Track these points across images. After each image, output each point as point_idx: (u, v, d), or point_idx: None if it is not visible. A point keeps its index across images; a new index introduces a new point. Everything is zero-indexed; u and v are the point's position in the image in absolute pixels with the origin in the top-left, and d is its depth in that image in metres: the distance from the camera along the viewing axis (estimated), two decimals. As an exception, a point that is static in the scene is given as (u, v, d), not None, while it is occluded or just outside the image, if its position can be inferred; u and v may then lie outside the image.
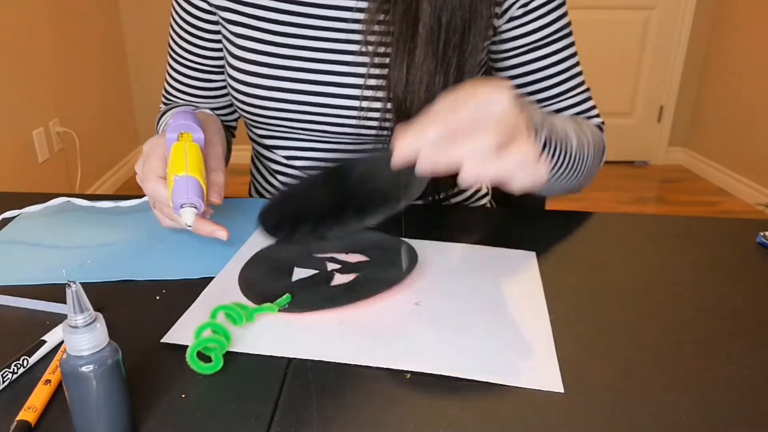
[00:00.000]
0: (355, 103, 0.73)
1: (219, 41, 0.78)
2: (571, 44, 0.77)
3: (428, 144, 0.47)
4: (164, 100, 0.86)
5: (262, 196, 0.89)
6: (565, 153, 0.65)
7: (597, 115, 0.80)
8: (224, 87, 0.82)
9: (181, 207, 0.56)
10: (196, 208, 0.56)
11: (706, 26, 3.13)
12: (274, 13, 0.71)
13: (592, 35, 3.10)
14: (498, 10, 0.71)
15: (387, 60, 0.70)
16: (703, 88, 3.22)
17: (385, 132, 0.75)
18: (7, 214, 0.68)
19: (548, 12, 0.74)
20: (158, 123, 0.81)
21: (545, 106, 0.78)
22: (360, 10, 0.71)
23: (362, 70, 0.72)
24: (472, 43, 0.68)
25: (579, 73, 0.79)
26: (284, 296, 0.53)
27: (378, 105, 0.72)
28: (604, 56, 3.15)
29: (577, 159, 0.68)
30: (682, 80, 3.23)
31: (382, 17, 0.69)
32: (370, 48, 0.71)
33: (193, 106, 0.83)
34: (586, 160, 0.70)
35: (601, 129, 0.80)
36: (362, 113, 0.73)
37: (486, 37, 0.71)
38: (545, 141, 0.61)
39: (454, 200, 0.86)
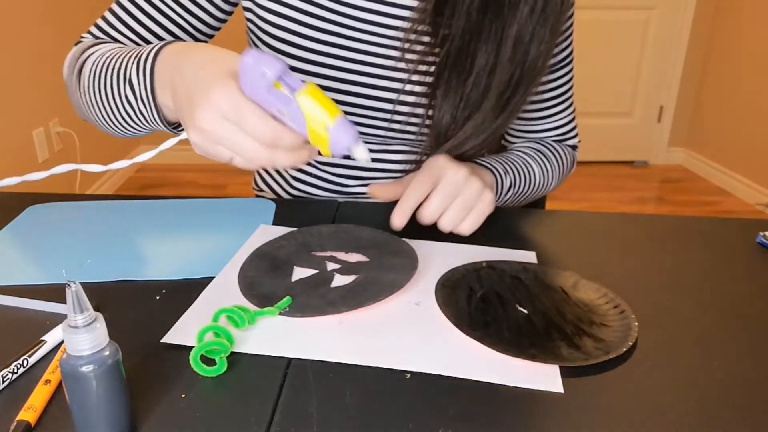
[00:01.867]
0: (388, 106, 0.73)
1: (222, 13, 0.73)
2: (572, 68, 0.81)
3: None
4: (98, 33, 0.76)
5: (270, 187, 0.88)
6: (528, 184, 0.78)
7: (575, 136, 0.88)
8: None
9: (352, 146, 0.48)
10: (363, 142, 0.50)
11: (706, 26, 3.13)
12: (314, 7, 0.70)
13: (592, 35, 3.10)
14: None
15: (429, 79, 0.71)
16: (703, 88, 3.22)
17: (421, 138, 0.75)
18: (5, 182, 0.63)
19: (563, 39, 0.75)
20: (81, 59, 0.69)
21: (533, 123, 0.83)
22: (404, 19, 0.70)
23: (399, 75, 0.72)
24: (532, 91, 0.71)
25: (571, 97, 0.83)
26: (285, 299, 0.53)
27: (418, 111, 0.73)
28: (604, 56, 3.15)
29: (539, 184, 0.80)
30: (682, 80, 3.23)
31: (426, 39, 0.69)
32: (412, 57, 0.70)
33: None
34: (548, 183, 0.82)
35: (575, 147, 0.89)
36: (394, 116, 0.73)
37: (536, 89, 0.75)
38: (510, 183, 0.75)
39: None
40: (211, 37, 0.77)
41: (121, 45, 0.70)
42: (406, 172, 0.80)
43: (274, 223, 0.70)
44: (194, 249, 0.63)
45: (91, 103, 0.66)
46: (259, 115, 0.47)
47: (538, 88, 0.79)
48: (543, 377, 0.45)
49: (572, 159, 0.87)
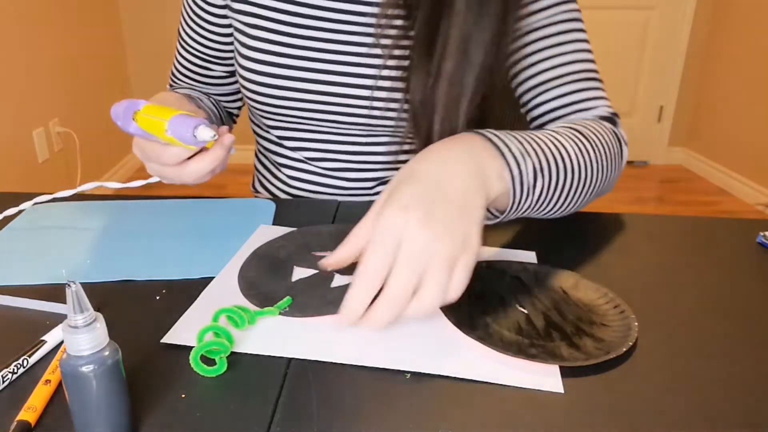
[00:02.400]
0: (367, 93, 0.73)
1: (225, 34, 0.78)
2: (581, 29, 0.73)
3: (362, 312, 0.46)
4: (171, 81, 0.89)
5: (267, 190, 0.89)
6: (564, 168, 0.58)
7: (606, 105, 0.72)
8: (225, 77, 0.84)
9: (194, 132, 0.55)
10: (204, 124, 0.56)
11: (706, 26, 3.13)
12: (287, 4, 0.72)
13: (592, 35, 3.08)
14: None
15: (405, 63, 0.70)
16: (703, 88, 3.22)
17: (401, 124, 0.75)
18: (39, 199, 0.67)
19: None
20: None
21: (550, 88, 0.72)
22: (375, 4, 0.71)
23: (375, 61, 0.72)
24: (501, 57, 0.68)
25: (588, 60, 0.73)
26: (285, 299, 0.53)
27: (397, 95, 0.72)
28: (604, 56, 3.13)
29: (579, 170, 0.60)
30: (682, 80, 3.23)
31: (399, 22, 0.69)
32: (386, 42, 0.70)
33: (197, 90, 0.86)
34: (592, 168, 0.62)
35: (613, 122, 0.71)
36: (373, 103, 0.73)
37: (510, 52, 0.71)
38: (533, 168, 0.55)
39: None
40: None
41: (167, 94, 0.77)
42: (392, 162, 0.80)
43: (274, 223, 0.70)
44: (194, 249, 0.63)
45: None
46: (149, 146, 0.58)
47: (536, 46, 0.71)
48: (543, 377, 0.45)
49: (617, 137, 0.68)
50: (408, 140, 0.78)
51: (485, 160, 0.52)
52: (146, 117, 0.57)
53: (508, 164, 0.53)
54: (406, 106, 0.72)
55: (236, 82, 0.85)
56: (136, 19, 3.05)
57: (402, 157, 0.80)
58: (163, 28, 3.01)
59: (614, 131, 0.69)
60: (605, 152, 0.64)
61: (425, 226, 0.46)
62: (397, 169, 0.81)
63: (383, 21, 0.70)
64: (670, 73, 3.22)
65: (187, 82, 0.86)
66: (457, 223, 0.47)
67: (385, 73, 0.72)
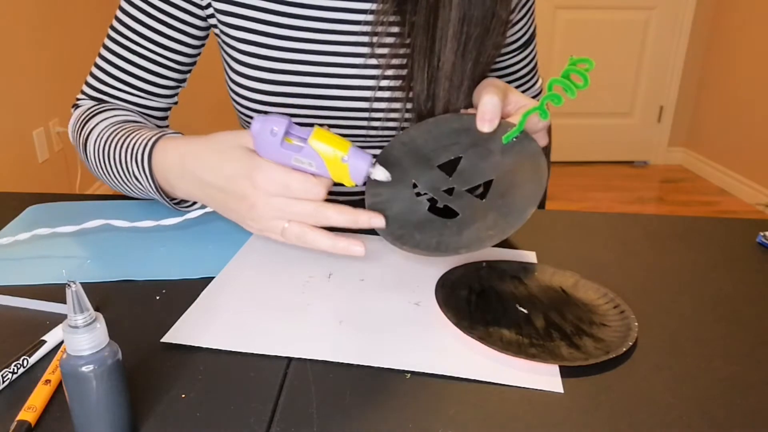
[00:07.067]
0: (365, 105, 0.72)
1: (199, 37, 0.74)
2: (534, 48, 0.82)
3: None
4: (92, 93, 0.76)
5: None
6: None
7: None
8: (172, 87, 0.76)
9: (371, 167, 0.53)
10: (379, 164, 0.54)
11: (706, 26, 3.13)
12: (277, 16, 0.70)
13: (592, 35, 3.10)
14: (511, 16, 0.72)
15: (403, 72, 0.69)
16: (703, 88, 3.22)
17: (404, 127, 0.74)
18: (39, 231, 0.62)
19: (531, 13, 0.76)
20: (90, 124, 0.71)
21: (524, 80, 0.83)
22: (369, 11, 0.69)
23: (371, 72, 0.71)
24: (491, 52, 0.68)
25: (534, 76, 0.85)
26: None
27: (397, 105, 0.72)
28: (604, 56, 3.15)
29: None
30: (682, 80, 3.23)
31: (395, 29, 0.69)
32: (383, 51, 0.69)
33: (125, 106, 0.75)
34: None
35: None
36: (372, 114, 0.73)
37: (501, 45, 0.73)
38: None
39: None
40: (193, 65, 0.77)
41: (114, 120, 0.70)
42: None
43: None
44: (194, 249, 0.63)
45: (106, 180, 0.71)
46: (301, 178, 0.52)
47: (510, 69, 0.80)
48: (543, 377, 0.45)
49: None
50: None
51: None
52: (325, 139, 0.52)
53: None
54: (408, 106, 0.71)
55: (176, 95, 0.79)
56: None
57: None
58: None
59: None
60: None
61: None
62: None
63: (380, 29, 0.68)
64: (670, 73, 3.22)
65: (124, 95, 0.74)
66: None
67: (384, 83, 0.71)
